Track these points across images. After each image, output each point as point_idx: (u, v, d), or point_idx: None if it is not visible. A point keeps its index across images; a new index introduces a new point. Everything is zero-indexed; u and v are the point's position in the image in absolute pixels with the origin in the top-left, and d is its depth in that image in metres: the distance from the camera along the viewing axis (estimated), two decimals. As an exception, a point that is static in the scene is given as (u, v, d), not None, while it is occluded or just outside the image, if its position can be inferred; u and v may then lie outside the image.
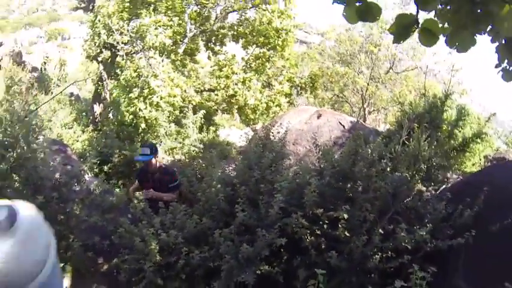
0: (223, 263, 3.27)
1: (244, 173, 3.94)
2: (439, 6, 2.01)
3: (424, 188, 3.84)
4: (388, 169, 3.84)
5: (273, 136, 4.57)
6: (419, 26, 1.93)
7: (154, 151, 4.98)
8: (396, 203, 3.54)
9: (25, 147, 3.80)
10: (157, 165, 4.97)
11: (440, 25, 1.98)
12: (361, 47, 17.01)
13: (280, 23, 13.26)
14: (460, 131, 6.57)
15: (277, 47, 13.56)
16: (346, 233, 3.26)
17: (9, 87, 10.71)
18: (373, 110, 17.39)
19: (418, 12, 1.96)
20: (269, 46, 13.65)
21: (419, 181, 3.87)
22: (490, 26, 2.01)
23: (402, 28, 1.99)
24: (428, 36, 1.94)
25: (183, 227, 3.76)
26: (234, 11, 13.88)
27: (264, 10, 13.31)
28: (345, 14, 2.01)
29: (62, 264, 3.39)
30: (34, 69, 14.13)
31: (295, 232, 3.30)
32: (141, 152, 5.00)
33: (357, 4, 1.97)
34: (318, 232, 3.37)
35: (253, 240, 3.27)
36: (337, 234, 3.26)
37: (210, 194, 3.89)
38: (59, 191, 3.93)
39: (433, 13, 2.06)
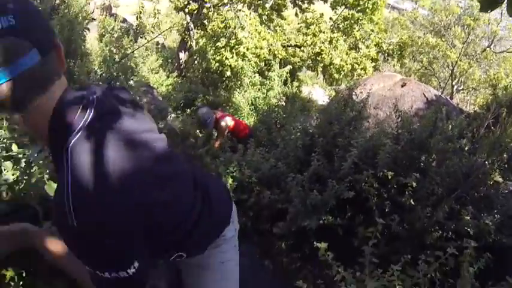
0: (290, 207, 3.43)
1: (324, 126, 4.04)
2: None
3: (501, 180, 3.51)
4: (466, 148, 3.65)
5: (356, 96, 4.59)
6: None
7: None
8: (467, 186, 3.35)
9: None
10: None
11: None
12: (458, 19, 15.82)
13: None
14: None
15: (367, 9, 13.08)
16: (412, 201, 3.19)
17: (103, 35, 11.35)
18: (462, 89, 16.27)
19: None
20: (358, 8, 13.17)
21: (497, 171, 3.50)
22: None
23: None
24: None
25: (258, 169, 3.99)
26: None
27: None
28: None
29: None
30: (124, 20, 14.84)
31: (364, 190, 3.35)
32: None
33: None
34: (385, 195, 3.35)
35: (323, 190, 3.36)
36: (402, 201, 3.21)
37: (289, 140, 4.06)
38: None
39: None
